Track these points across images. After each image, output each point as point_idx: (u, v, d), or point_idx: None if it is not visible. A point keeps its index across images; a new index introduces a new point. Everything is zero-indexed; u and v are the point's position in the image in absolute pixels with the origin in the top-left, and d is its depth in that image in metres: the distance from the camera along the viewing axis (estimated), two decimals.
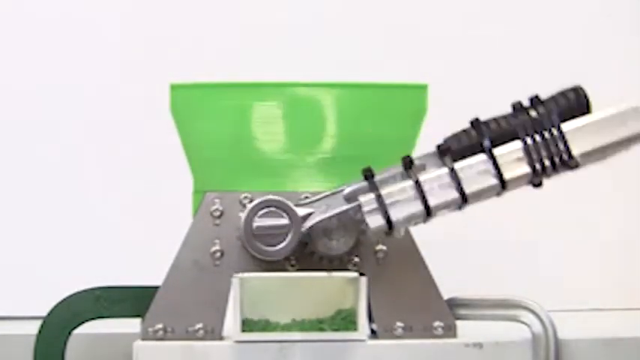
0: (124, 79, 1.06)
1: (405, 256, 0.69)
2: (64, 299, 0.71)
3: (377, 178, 0.65)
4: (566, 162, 0.65)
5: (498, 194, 0.66)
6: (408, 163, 0.65)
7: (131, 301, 0.70)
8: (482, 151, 0.65)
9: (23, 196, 1.05)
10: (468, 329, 0.70)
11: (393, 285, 0.69)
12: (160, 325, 0.68)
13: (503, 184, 0.65)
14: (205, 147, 0.70)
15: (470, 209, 0.66)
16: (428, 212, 0.64)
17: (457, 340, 0.68)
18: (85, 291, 0.71)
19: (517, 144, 0.65)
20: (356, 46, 1.06)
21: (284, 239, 0.66)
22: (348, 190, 0.66)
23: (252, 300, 0.67)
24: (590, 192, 1.09)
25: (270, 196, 0.66)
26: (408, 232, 0.69)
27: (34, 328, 0.71)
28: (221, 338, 0.68)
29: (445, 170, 0.65)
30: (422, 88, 0.71)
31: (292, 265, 0.69)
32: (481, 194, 0.65)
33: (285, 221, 0.66)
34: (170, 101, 0.70)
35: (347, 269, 0.69)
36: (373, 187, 0.65)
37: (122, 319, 0.71)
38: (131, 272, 0.75)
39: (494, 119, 0.66)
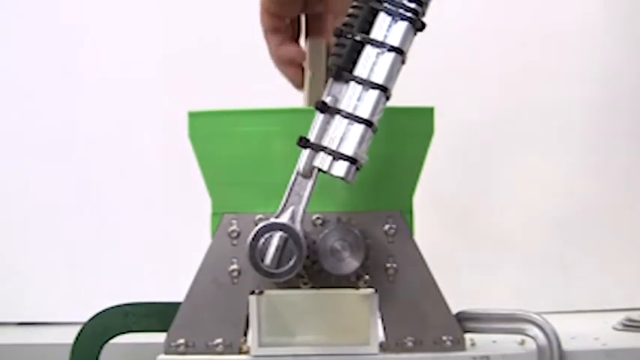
0: (146, 107, 1.12)
1: (414, 273, 0.72)
2: (96, 314, 0.76)
3: (312, 137, 0.67)
4: None
5: (404, 62, 0.66)
6: (323, 106, 0.66)
7: (157, 316, 0.74)
8: (362, 42, 0.66)
9: (65, 220, 1.13)
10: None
11: (403, 301, 0.71)
12: (181, 340, 0.71)
13: (400, 52, 0.65)
14: (222, 171, 0.73)
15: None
16: (369, 124, 0.65)
17: (465, 353, 0.71)
18: (115, 307, 0.76)
19: (382, 16, 0.66)
20: None
21: (290, 259, 0.67)
22: (301, 168, 0.67)
23: (269, 316, 0.70)
24: (589, 192, 1.10)
25: (264, 222, 0.67)
26: (417, 249, 0.72)
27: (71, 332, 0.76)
28: (239, 353, 0.71)
29: (352, 84, 0.66)
30: (429, 111, 0.73)
31: (305, 283, 0.71)
32: (392, 74, 0.66)
33: (285, 237, 0.67)
34: (188, 128, 0.73)
35: (358, 286, 0.71)
36: (316, 147, 0.66)
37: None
38: (157, 289, 0.79)
39: (348, 14, 0.67)
